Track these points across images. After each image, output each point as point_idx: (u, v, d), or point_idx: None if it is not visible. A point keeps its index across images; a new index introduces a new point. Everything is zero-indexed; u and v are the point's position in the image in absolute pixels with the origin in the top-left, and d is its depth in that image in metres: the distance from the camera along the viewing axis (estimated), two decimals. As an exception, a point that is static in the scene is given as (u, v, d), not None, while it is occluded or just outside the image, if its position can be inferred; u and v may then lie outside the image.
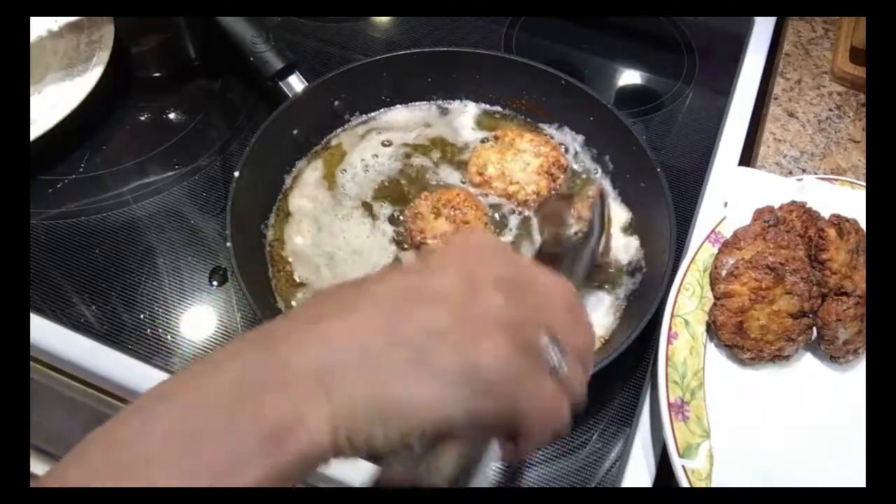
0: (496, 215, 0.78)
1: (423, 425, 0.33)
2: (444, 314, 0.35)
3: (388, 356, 0.34)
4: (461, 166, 0.83)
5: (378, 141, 0.84)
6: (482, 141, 0.84)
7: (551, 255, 0.58)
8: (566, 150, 0.84)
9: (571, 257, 0.58)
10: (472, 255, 0.40)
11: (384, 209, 0.79)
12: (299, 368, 0.33)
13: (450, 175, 0.82)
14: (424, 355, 0.34)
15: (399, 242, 0.76)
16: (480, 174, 0.80)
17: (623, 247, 0.76)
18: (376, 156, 0.83)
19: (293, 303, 0.71)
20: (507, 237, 0.77)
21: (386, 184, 0.81)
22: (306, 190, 0.80)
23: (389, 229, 0.77)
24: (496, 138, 0.83)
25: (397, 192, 0.80)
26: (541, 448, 0.37)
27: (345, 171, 0.82)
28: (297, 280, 0.73)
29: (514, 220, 0.78)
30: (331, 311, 0.36)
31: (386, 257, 0.75)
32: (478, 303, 0.36)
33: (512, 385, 0.35)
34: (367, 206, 0.79)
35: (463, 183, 0.81)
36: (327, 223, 0.77)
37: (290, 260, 0.74)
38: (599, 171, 0.82)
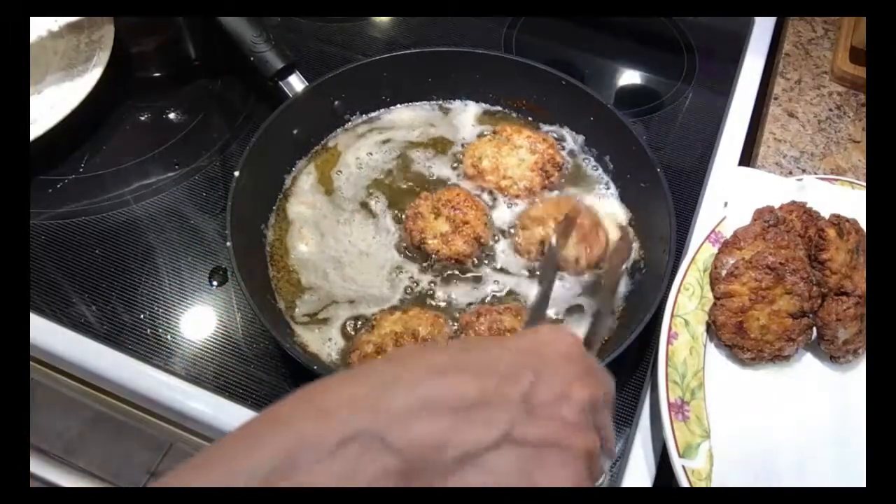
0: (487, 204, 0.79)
1: None
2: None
3: None
4: (456, 160, 0.83)
5: (375, 140, 0.84)
6: (479, 135, 0.84)
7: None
8: (564, 149, 0.84)
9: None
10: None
11: (379, 204, 0.79)
12: None
13: (443, 169, 0.82)
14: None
15: (400, 243, 0.76)
16: (475, 166, 0.80)
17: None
18: (371, 153, 0.83)
19: (296, 302, 0.71)
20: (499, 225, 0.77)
21: (379, 178, 0.81)
22: (303, 196, 0.79)
23: (393, 227, 0.77)
24: (494, 133, 0.83)
25: (390, 186, 0.81)
26: None
27: (340, 172, 0.82)
28: (305, 286, 0.73)
29: (504, 212, 0.78)
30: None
31: (393, 256, 0.75)
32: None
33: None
34: (365, 206, 0.79)
35: (457, 175, 0.81)
36: (330, 228, 0.77)
37: (296, 268, 0.74)
38: (599, 170, 0.82)
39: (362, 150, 0.83)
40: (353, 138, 0.85)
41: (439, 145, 0.84)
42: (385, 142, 0.84)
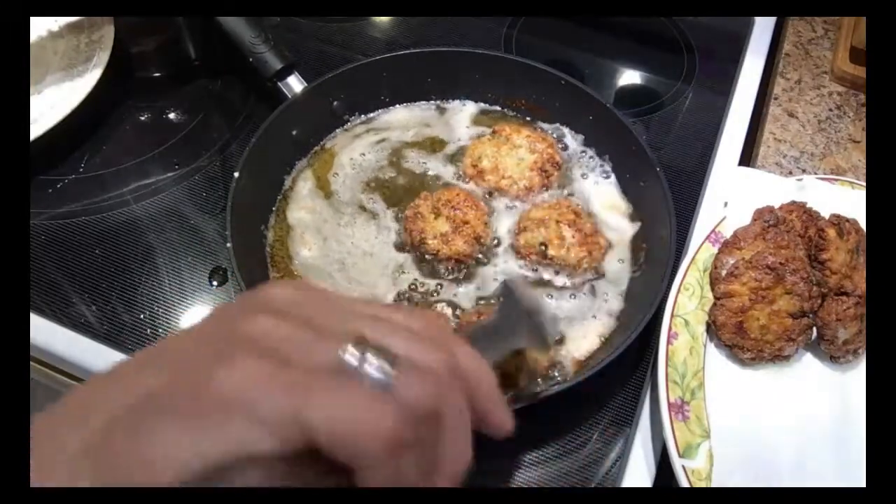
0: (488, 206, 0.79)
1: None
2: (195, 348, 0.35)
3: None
4: (452, 160, 0.83)
5: (370, 140, 0.84)
6: (478, 136, 0.84)
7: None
8: (565, 149, 0.84)
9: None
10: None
11: (377, 204, 0.79)
12: None
13: (438, 168, 0.82)
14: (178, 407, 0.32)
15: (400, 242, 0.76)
16: (474, 166, 0.80)
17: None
18: (364, 154, 0.83)
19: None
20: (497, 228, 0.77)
21: (376, 177, 0.81)
22: (302, 202, 0.79)
23: (394, 226, 0.77)
24: (494, 132, 0.83)
25: (386, 186, 0.81)
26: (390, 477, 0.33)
27: (336, 174, 0.81)
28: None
29: (503, 212, 0.79)
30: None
31: (396, 256, 0.75)
32: (237, 330, 0.34)
33: (279, 401, 0.31)
34: (363, 208, 0.79)
35: (455, 175, 0.81)
36: (331, 232, 0.77)
37: (300, 273, 0.74)
38: (599, 170, 0.82)
39: (356, 150, 0.83)
40: (349, 139, 0.85)
41: (433, 145, 0.85)
42: (379, 142, 0.84)
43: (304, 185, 0.81)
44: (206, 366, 0.33)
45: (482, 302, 0.72)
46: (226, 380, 0.32)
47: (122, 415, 0.32)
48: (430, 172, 0.82)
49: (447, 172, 0.82)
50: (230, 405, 0.31)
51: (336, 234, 0.77)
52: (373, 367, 0.34)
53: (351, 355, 0.34)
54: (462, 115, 0.87)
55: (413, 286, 0.73)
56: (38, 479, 0.31)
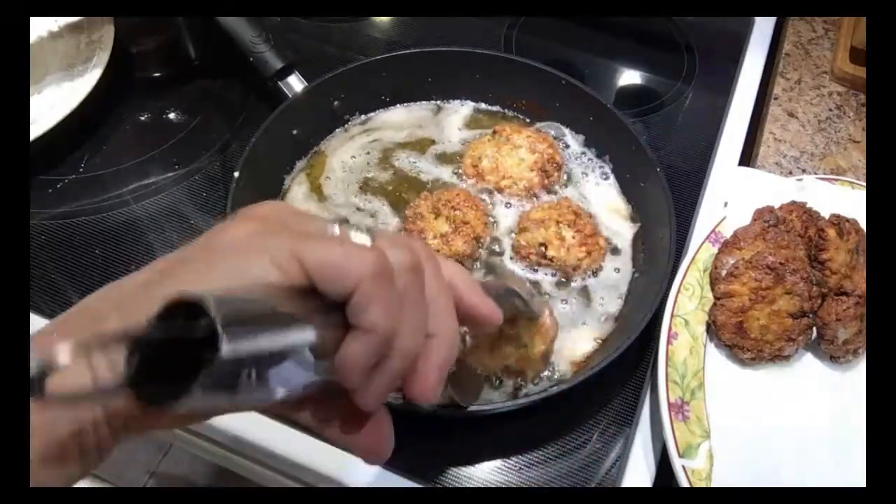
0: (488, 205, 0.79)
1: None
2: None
3: None
4: (444, 160, 0.83)
5: (362, 141, 0.84)
6: (476, 136, 0.85)
7: None
8: (565, 150, 0.84)
9: None
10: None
11: (371, 204, 0.79)
12: None
13: (430, 168, 0.83)
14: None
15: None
16: (475, 166, 0.80)
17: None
18: (354, 157, 0.83)
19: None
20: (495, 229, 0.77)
21: (366, 179, 0.81)
22: (297, 205, 0.78)
23: (393, 221, 0.78)
24: (494, 133, 0.83)
25: (381, 187, 0.81)
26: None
27: (328, 178, 0.81)
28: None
29: (504, 212, 0.79)
30: None
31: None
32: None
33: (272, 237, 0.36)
34: (359, 209, 0.79)
35: (458, 176, 0.81)
36: None
37: None
38: (599, 170, 0.82)
39: (347, 153, 0.83)
40: (342, 141, 0.84)
41: (422, 145, 0.85)
42: (371, 142, 0.84)
43: (298, 190, 0.80)
44: (211, 234, 0.38)
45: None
46: (234, 232, 0.37)
47: (138, 287, 0.35)
48: (429, 173, 0.82)
49: (444, 173, 0.82)
50: (245, 249, 0.36)
51: None
52: (355, 234, 0.37)
53: (337, 227, 0.38)
54: (456, 117, 0.87)
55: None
56: (46, 341, 0.33)
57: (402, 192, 0.80)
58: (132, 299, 0.34)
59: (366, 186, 0.81)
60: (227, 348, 0.29)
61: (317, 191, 0.80)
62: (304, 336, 0.33)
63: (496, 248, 0.76)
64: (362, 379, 0.35)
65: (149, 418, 0.34)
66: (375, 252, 0.35)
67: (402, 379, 0.37)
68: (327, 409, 0.39)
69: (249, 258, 0.35)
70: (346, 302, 0.34)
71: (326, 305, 0.34)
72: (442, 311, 0.39)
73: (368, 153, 0.83)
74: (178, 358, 0.31)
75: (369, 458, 0.41)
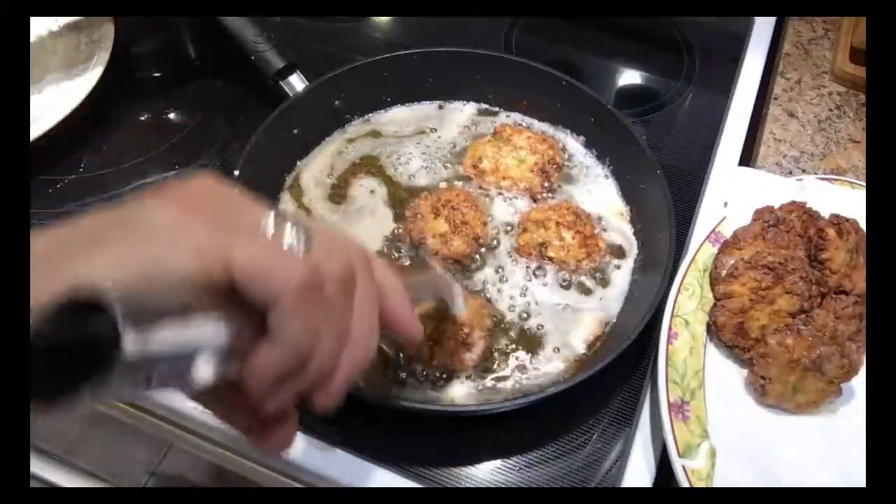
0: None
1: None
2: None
3: None
4: (444, 160, 0.83)
5: (337, 149, 0.84)
6: (475, 137, 0.85)
7: None
8: (565, 150, 0.84)
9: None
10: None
11: (368, 201, 0.79)
12: None
13: (433, 168, 0.83)
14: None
15: (398, 239, 0.76)
16: (475, 167, 0.80)
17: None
18: (325, 170, 0.82)
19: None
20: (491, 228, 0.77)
21: (344, 187, 0.81)
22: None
23: (389, 215, 0.78)
24: (495, 133, 0.83)
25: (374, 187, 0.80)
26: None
27: (311, 199, 0.80)
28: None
29: (504, 213, 0.78)
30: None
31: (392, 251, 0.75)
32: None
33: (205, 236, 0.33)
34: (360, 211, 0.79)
35: (458, 177, 0.81)
36: None
37: None
38: (599, 171, 0.82)
39: (316, 168, 0.82)
40: (314, 156, 0.83)
41: (422, 145, 0.84)
42: (355, 146, 0.84)
43: (287, 206, 0.79)
44: (133, 208, 0.35)
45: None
46: (159, 214, 0.34)
47: (43, 256, 0.33)
48: (429, 173, 0.82)
49: (444, 173, 0.82)
50: (167, 236, 0.33)
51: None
52: (291, 234, 0.36)
53: (272, 222, 0.36)
54: (458, 116, 0.87)
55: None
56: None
57: (407, 195, 0.80)
58: (34, 273, 0.31)
59: (337, 197, 0.80)
60: (128, 350, 0.27)
61: (302, 208, 0.79)
62: (215, 338, 0.32)
63: (496, 247, 0.76)
64: (267, 389, 0.34)
65: (38, 405, 0.31)
66: (306, 264, 0.34)
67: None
68: (231, 399, 0.38)
69: (170, 247, 0.32)
70: (267, 309, 0.33)
71: (244, 305, 0.33)
72: (364, 322, 0.38)
73: (344, 161, 0.83)
74: (75, 354, 0.29)
75: (270, 453, 0.40)
